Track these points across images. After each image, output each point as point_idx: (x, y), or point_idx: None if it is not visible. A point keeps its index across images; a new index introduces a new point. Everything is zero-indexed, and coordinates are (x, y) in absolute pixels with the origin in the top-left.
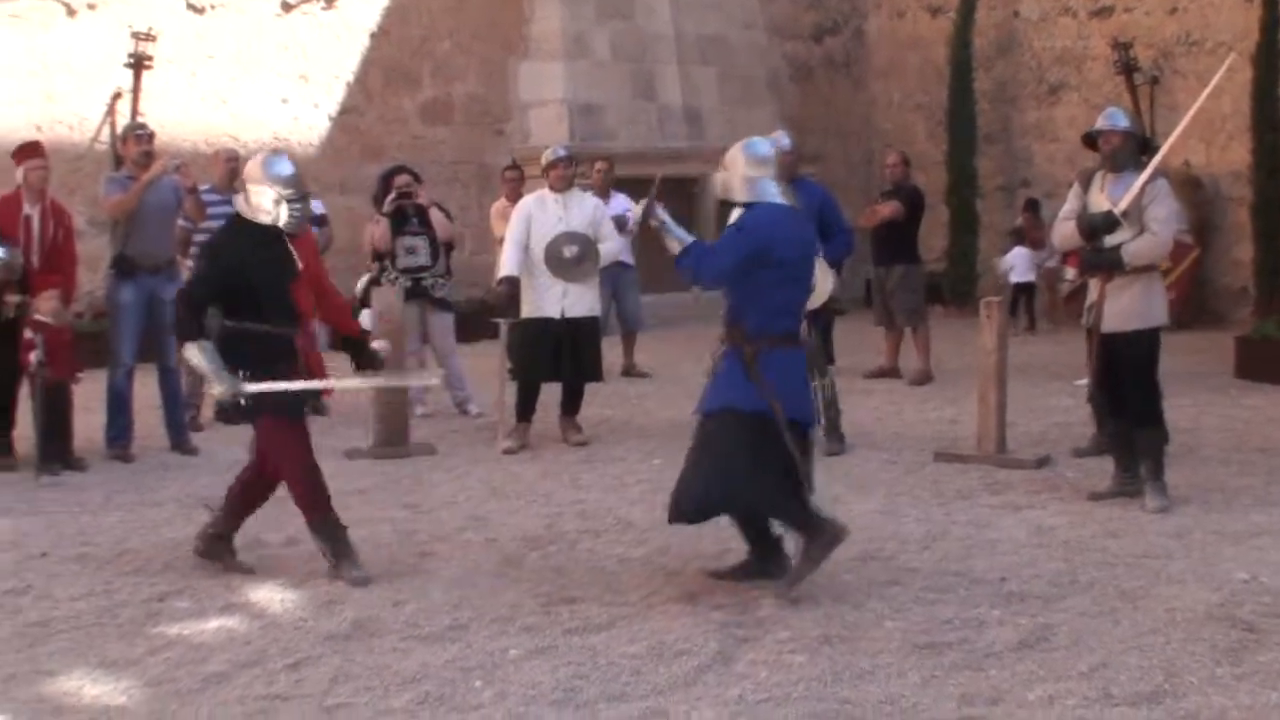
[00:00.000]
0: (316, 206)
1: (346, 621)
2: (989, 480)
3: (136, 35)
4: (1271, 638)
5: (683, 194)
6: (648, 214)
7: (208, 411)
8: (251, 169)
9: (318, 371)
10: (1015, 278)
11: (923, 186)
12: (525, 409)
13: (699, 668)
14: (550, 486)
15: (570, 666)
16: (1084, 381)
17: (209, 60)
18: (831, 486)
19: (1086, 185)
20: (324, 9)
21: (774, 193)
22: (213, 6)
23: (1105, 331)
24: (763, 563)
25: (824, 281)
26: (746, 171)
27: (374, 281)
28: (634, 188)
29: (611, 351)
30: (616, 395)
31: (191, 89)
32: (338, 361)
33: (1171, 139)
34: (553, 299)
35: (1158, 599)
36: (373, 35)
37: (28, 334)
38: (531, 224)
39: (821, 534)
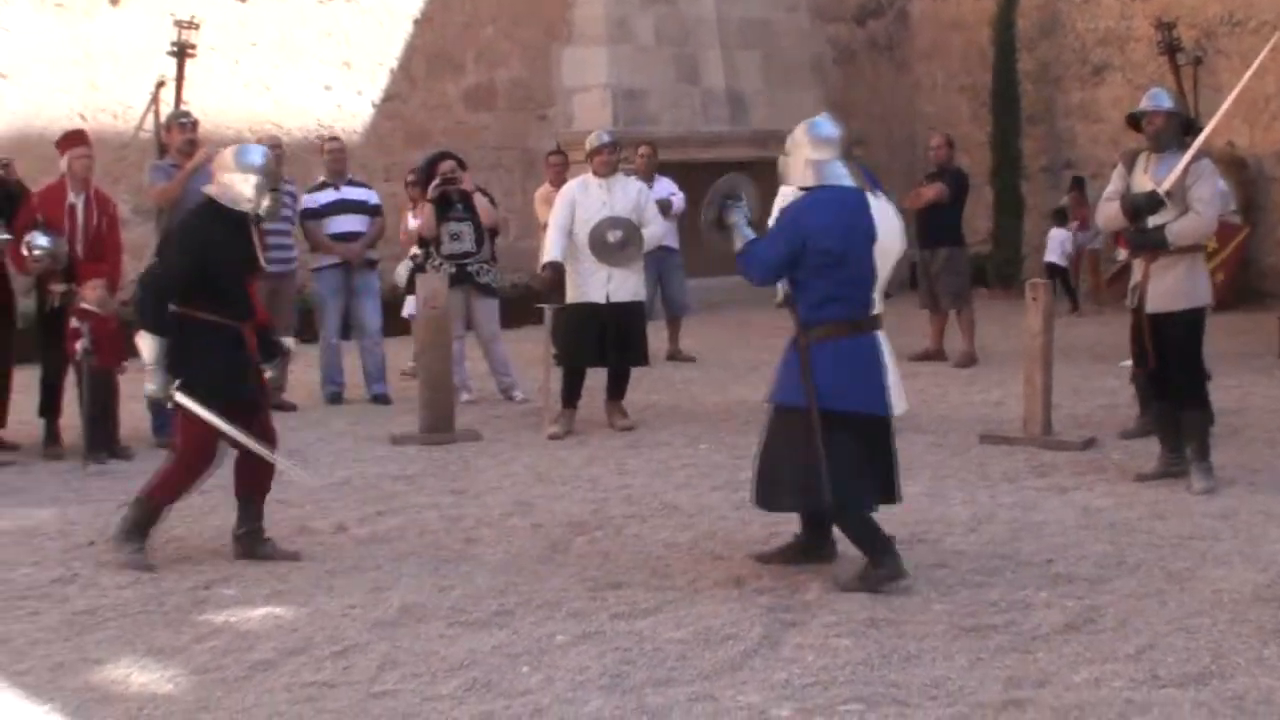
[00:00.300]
0: (371, 197)
1: (393, 608)
2: (1035, 462)
3: (180, 23)
4: None
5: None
6: (722, 211)
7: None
8: (224, 158)
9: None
10: (1047, 257)
11: (967, 168)
12: (571, 394)
13: (745, 652)
14: (596, 471)
15: (617, 652)
16: (1128, 363)
17: (252, 48)
18: None
19: (1130, 166)
20: None
21: (840, 174)
22: None
23: (1150, 312)
24: (813, 543)
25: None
26: (811, 154)
27: (418, 268)
28: (678, 172)
29: (657, 336)
30: (662, 380)
31: (235, 77)
32: None
33: (1215, 119)
34: (597, 284)
35: (1204, 580)
36: (416, 22)
37: (74, 323)
38: (575, 209)
39: (882, 566)
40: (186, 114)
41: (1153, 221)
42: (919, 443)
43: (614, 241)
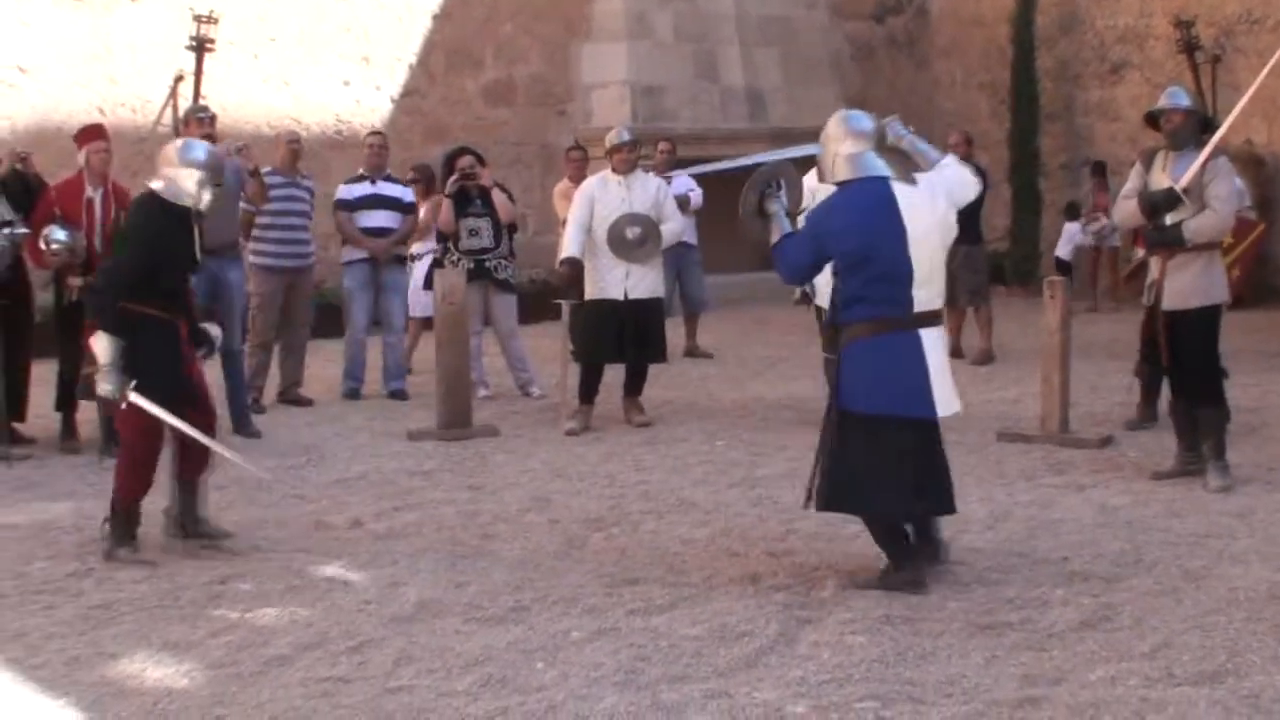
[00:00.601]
0: (406, 194)
1: (409, 603)
2: (1052, 460)
3: (198, 18)
4: None
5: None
6: (763, 199)
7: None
8: (169, 153)
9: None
10: (1057, 252)
11: (985, 166)
12: (588, 390)
13: (761, 649)
14: (613, 468)
15: (632, 648)
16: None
17: (271, 43)
18: None
19: (1148, 164)
20: None
21: (877, 167)
22: None
23: (1166, 309)
24: (920, 544)
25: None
26: (848, 148)
27: (437, 263)
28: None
29: (674, 332)
30: (680, 376)
31: (253, 71)
32: None
33: (1232, 116)
34: (616, 280)
35: (1220, 578)
36: (435, 17)
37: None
38: (594, 205)
39: (903, 572)
40: (205, 109)
41: (1170, 219)
42: None
43: (633, 238)
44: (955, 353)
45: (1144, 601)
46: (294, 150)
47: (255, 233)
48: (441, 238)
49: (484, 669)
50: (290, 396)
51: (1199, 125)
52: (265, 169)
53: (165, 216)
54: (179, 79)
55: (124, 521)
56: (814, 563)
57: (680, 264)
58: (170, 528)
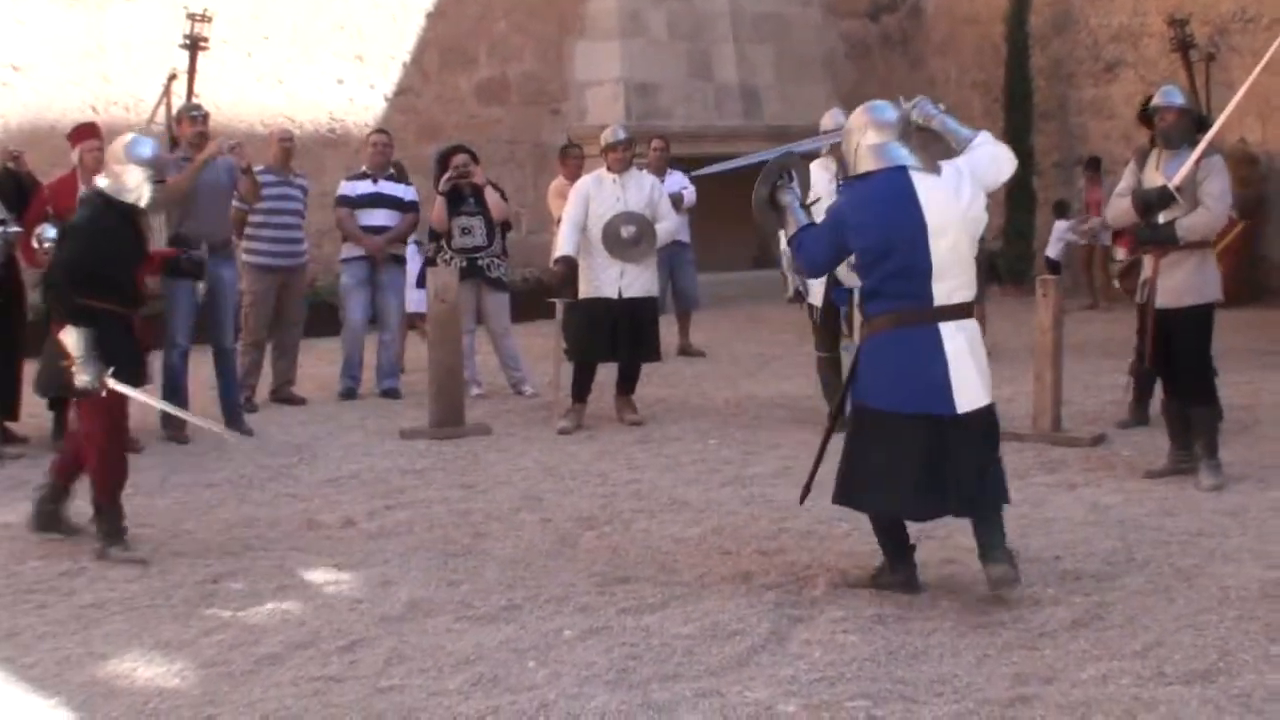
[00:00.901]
0: (407, 193)
1: (400, 603)
2: (1044, 459)
3: (192, 16)
4: None
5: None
6: (775, 192)
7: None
8: (115, 150)
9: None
10: (1047, 251)
11: None
12: (581, 389)
13: (752, 648)
14: (605, 466)
15: (624, 647)
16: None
17: (264, 41)
18: None
19: (1142, 163)
20: None
21: (900, 157)
22: None
23: (1159, 307)
24: (979, 544)
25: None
26: (871, 138)
27: (429, 261)
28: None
29: (667, 331)
30: (672, 375)
31: (247, 70)
32: None
33: (1225, 114)
34: (610, 279)
35: (1213, 577)
36: (429, 15)
37: None
38: (589, 204)
39: (896, 573)
40: (198, 107)
41: (1163, 217)
42: None
43: (628, 237)
44: None
45: (1136, 600)
46: (287, 148)
47: (248, 231)
48: (434, 236)
49: (475, 668)
50: (283, 395)
51: (1193, 124)
52: (258, 167)
53: (109, 212)
54: (172, 77)
55: (110, 517)
56: (806, 561)
57: (673, 262)
58: (38, 522)
